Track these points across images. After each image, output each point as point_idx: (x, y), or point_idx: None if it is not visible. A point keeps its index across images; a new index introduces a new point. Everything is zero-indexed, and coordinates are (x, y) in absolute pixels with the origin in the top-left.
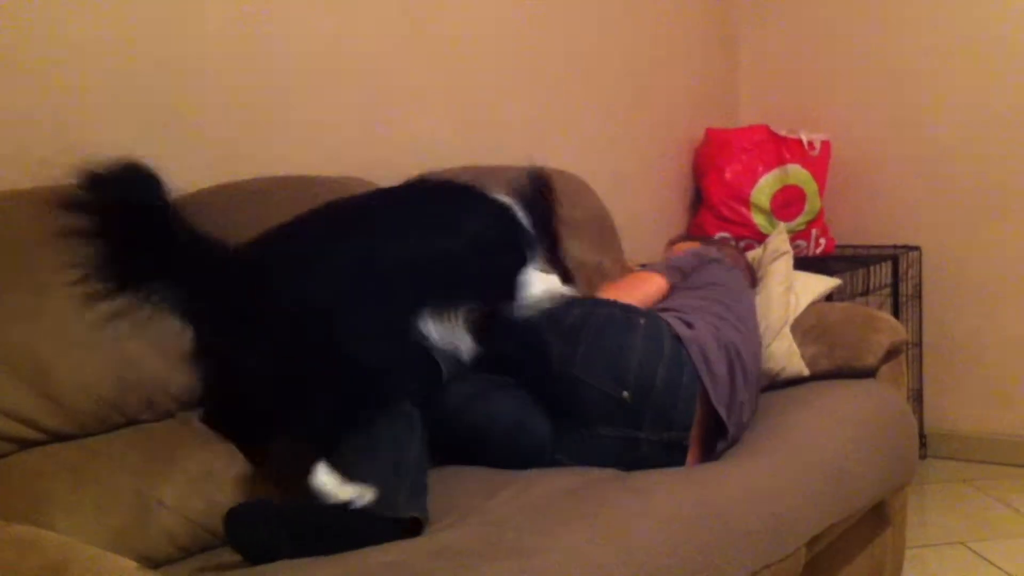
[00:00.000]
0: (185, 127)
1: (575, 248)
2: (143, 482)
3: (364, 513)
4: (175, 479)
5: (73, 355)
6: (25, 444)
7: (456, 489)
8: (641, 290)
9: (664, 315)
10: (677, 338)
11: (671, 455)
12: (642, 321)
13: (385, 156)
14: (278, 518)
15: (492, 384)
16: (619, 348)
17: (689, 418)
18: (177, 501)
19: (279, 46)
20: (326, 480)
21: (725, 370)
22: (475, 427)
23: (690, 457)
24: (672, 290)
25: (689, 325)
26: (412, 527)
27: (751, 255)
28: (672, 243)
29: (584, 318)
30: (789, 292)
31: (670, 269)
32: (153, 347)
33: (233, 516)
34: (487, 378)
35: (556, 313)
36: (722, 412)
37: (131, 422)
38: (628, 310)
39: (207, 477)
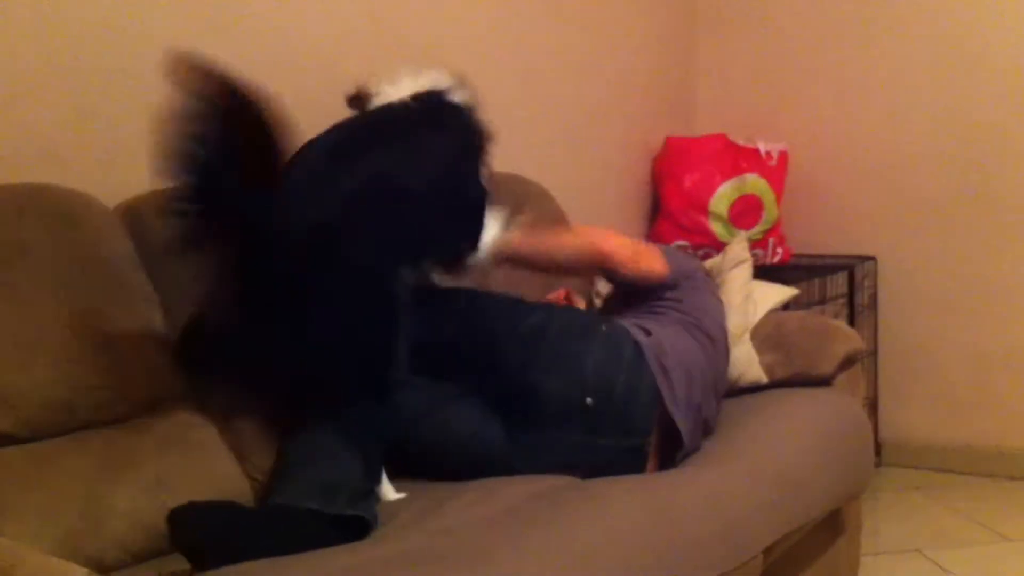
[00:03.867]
0: (128, 117)
1: None
2: (94, 487)
3: (306, 512)
4: (127, 484)
5: (23, 357)
6: None
7: (414, 497)
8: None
9: (624, 322)
10: (637, 345)
11: (631, 461)
12: (603, 328)
13: None
14: (218, 518)
15: (445, 395)
16: (579, 354)
17: (648, 424)
18: (129, 506)
19: (230, 36)
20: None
21: (683, 378)
22: (430, 440)
23: (649, 465)
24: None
25: (647, 332)
26: (356, 528)
27: (710, 263)
28: None
29: (544, 324)
30: (748, 301)
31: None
32: (106, 350)
33: (174, 517)
34: (440, 389)
35: (515, 318)
36: (678, 418)
37: (84, 426)
38: (589, 317)
39: (160, 483)
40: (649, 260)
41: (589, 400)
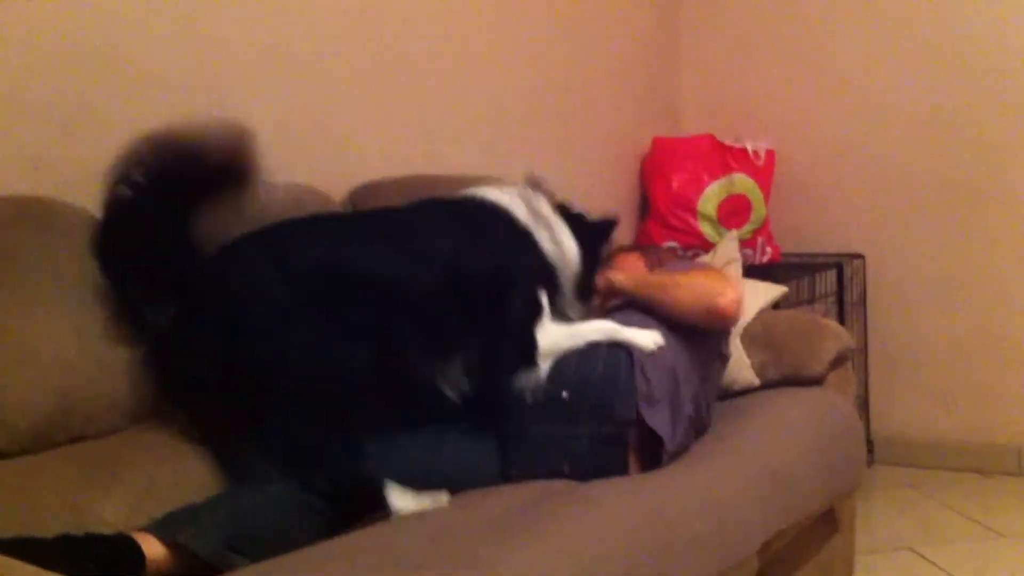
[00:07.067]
0: (115, 125)
1: None
2: (82, 498)
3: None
4: (116, 494)
5: (15, 370)
6: None
7: None
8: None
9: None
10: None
11: (612, 453)
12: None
13: (332, 161)
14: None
15: (427, 447)
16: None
17: (626, 412)
18: (117, 517)
19: (217, 45)
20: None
21: (665, 377)
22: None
23: (632, 463)
24: None
25: None
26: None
27: (700, 260)
28: (617, 252)
29: None
30: None
31: None
32: (98, 363)
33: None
34: (425, 439)
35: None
36: (647, 414)
37: (75, 439)
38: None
39: (149, 493)
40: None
41: (564, 394)
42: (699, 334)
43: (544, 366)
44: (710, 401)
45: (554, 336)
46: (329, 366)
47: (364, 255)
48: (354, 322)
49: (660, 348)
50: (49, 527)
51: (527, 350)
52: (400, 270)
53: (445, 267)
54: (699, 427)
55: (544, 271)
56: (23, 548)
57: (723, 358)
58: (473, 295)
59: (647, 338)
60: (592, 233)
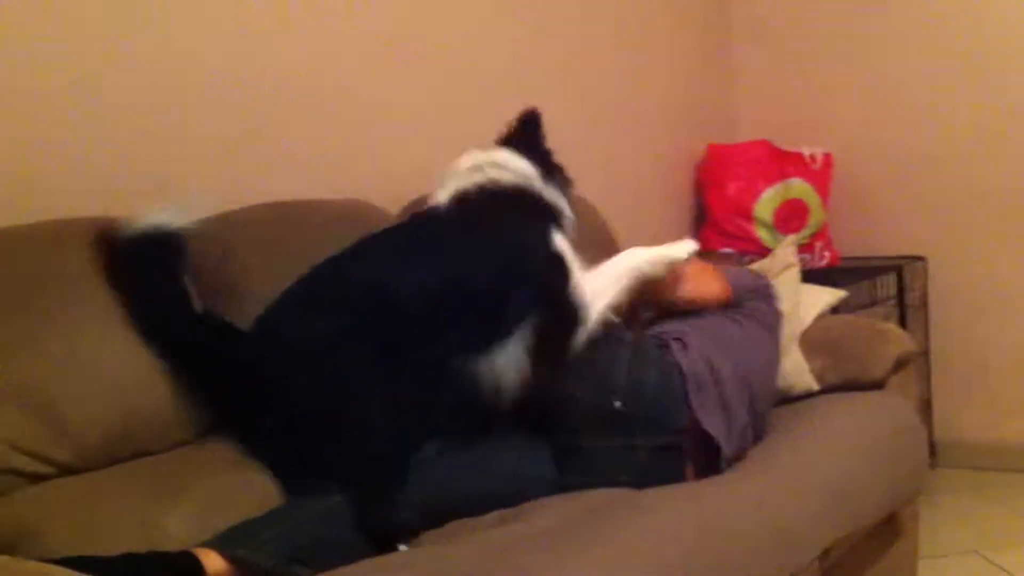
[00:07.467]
0: (164, 155)
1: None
2: (148, 512)
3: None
4: (182, 509)
5: (82, 387)
6: (33, 478)
7: (464, 521)
8: (716, 288)
9: (654, 328)
10: (663, 347)
11: (669, 461)
12: (629, 335)
13: (378, 182)
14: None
15: (480, 456)
16: (608, 361)
17: (680, 420)
18: (182, 530)
19: (260, 72)
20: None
21: (711, 382)
22: (474, 500)
23: (688, 470)
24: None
25: (675, 337)
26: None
27: (757, 266)
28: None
29: None
30: (796, 309)
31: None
32: (163, 379)
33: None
34: (467, 454)
35: None
36: (706, 422)
37: (140, 454)
38: (613, 326)
39: (214, 506)
40: (699, 284)
41: (618, 404)
42: (745, 334)
43: (600, 307)
44: (766, 406)
45: (594, 282)
46: (329, 365)
47: (365, 262)
48: (355, 321)
49: (703, 351)
50: (115, 541)
51: (573, 312)
52: (404, 275)
53: (450, 273)
54: (756, 433)
55: (552, 217)
56: (87, 566)
57: (776, 348)
58: (478, 301)
59: (680, 249)
60: (525, 137)
